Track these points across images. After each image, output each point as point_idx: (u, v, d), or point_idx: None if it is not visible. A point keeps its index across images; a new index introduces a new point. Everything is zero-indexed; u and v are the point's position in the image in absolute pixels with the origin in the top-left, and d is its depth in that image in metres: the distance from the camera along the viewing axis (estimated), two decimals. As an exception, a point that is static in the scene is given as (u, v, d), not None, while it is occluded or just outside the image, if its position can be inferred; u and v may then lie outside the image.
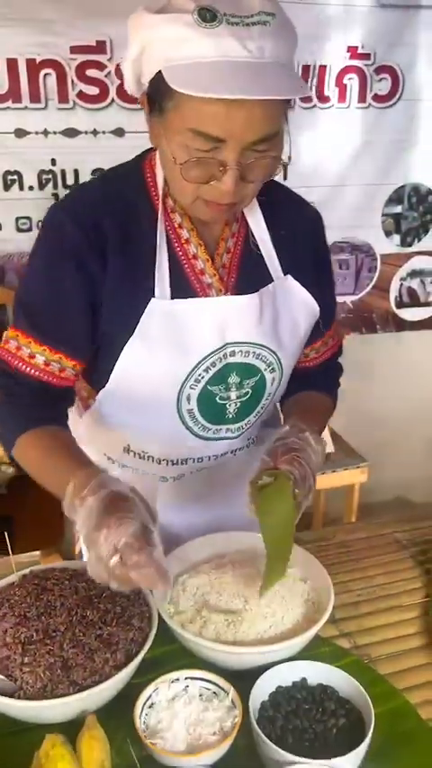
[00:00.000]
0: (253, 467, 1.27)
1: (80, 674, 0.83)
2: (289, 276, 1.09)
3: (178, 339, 1.01)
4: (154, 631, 0.90)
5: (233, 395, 1.09)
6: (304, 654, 0.93)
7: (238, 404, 1.10)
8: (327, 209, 2.26)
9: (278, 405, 1.26)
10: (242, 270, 1.06)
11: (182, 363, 1.03)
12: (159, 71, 0.85)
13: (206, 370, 1.04)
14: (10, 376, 1.02)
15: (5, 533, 1.04)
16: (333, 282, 1.20)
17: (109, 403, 1.09)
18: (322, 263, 1.17)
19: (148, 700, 0.85)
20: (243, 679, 0.86)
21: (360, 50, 2.18)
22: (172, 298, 1.00)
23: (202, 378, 1.05)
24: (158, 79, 0.85)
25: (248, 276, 1.06)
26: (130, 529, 0.79)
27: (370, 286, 2.45)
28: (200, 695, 0.86)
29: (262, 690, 0.86)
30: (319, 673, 0.89)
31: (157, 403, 1.05)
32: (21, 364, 1.01)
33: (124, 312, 1.00)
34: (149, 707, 0.84)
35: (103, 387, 1.06)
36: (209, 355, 1.03)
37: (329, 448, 2.19)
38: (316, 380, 1.21)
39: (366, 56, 2.19)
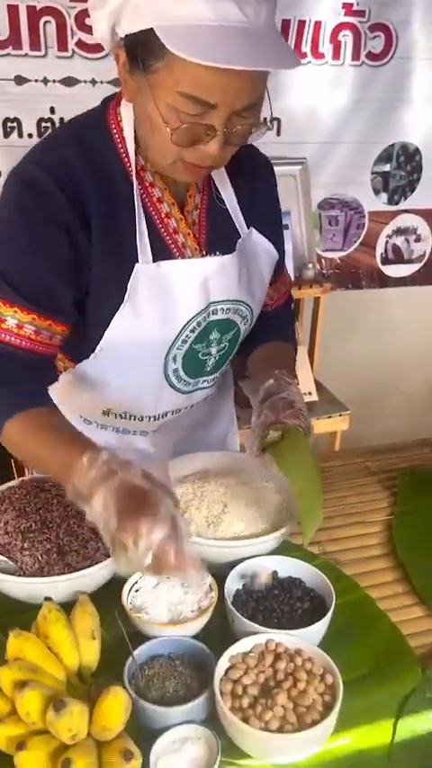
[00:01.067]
0: (224, 408, 1.36)
1: (74, 559, 0.93)
2: (252, 229, 1.10)
3: (165, 303, 1.01)
4: (141, 528, 0.99)
5: (213, 350, 1.13)
6: (275, 556, 1.02)
7: (217, 358, 1.15)
8: (319, 165, 2.37)
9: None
10: (211, 226, 1.06)
11: (170, 327, 1.04)
12: (149, 28, 0.81)
13: (192, 331, 1.06)
14: None
15: (12, 461, 1.12)
16: (282, 227, 1.22)
17: (91, 371, 1.07)
18: (275, 209, 1.18)
19: (134, 585, 0.94)
20: (220, 574, 0.96)
21: (355, 7, 2.21)
22: (153, 261, 0.99)
23: (189, 338, 1.07)
24: (147, 36, 0.82)
25: (218, 232, 1.06)
26: (162, 533, 0.75)
27: (357, 243, 2.51)
28: (181, 584, 0.96)
29: (236, 579, 0.96)
30: (288, 567, 0.99)
31: (144, 367, 1.07)
32: (7, 336, 0.94)
33: (110, 279, 0.98)
34: (135, 591, 0.94)
35: (86, 357, 1.05)
36: (194, 316, 1.05)
37: (314, 397, 2.29)
38: (275, 329, 1.25)
39: (361, 13, 2.22)
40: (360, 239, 2.51)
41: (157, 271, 1.01)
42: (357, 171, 2.41)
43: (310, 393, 2.24)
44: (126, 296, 0.99)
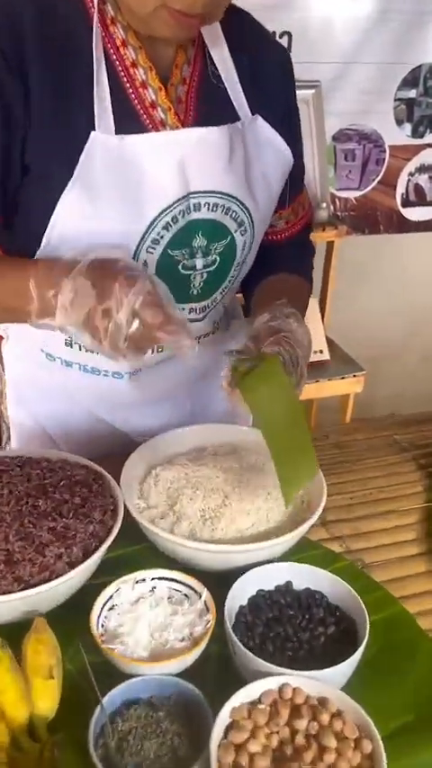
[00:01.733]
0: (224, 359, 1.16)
1: (27, 570, 0.71)
2: (258, 116, 0.91)
3: (129, 187, 0.83)
4: (118, 525, 0.78)
5: (199, 263, 0.91)
6: (290, 557, 0.81)
7: (205, 275, 0.93)
8: (334, 89, 2.07)
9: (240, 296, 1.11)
10: (202, 106, 0.87)
11: (136, 219, 0.84)
12: None
13: (166, 228, 0.86)
14: None
15: None
16: (301, 137, 1.01)
17: None
18: (292, 108, 0.99)
19: (108, 601, 0.73)
20: (220, 584, 0.75)
21: None
22: (117, 132, 0.81)
23: (162, 238, 0.86)
24: None
25: (210, 114, 0.87)
26: (145, 285, 0.70)
27: (376, 181, 2.25)
28: (168, 597, 0.75)
29: (240, 593, 0.75)
30: (306, 576, 0.77)
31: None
32: None
33: (57, 149, 0.80)
34: (109, 609, 0.73)
35: (32, 255, 0.87)
36: (169, 208, 0.85)
37: (325, 355, 2.05)
38: (288, 260, 1.05)
39: None
40: (379, 177, 2.25)
41: (120, 144, 0.81)
42: (378, 97, 2.12)
43: (321, 351, 2.00)
44: (76, 171, 0.80)
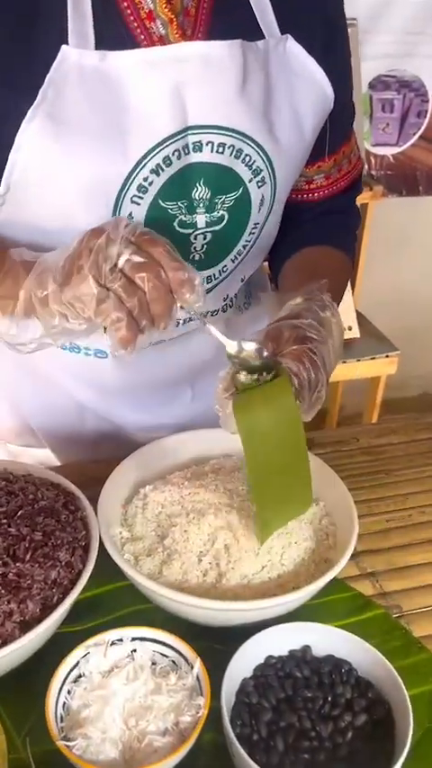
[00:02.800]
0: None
1: (-34, 635, 0.55)
2: (289, 37, 0.72)
3: (109, 118, 0.66)
4: (89, 569, 0.62)
5: (201, 220, 0.73)
6: (308, 603, 0.65)
7: (208, 236, 0.75)
8: (371, 30, 1.85)
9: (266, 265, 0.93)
10: (215, 21, 0.69)
11: (117, 159, 0.67)
12: None
13: (156, 172, 0.68)
14: None
15: None
16: (350, 64, 0.82)
17: (2, 233, 0.73)
18: (336, 29, 0.78)
19: (72, 670, 0.57)
20: (217, 640, 0.59)
21: None
22: (97, 48, 0.64)
23: (151, 185, 0.69)
24: None
25: (225, 32, 0.69)
26: (141, 226, 0.59)
27: (417, 135, 2.05)
28: (152, 664, 0.59)
29: (244, 662, 0.58)
30: (328, 639, 0.60)
31: (80, 227, 0.69)
32: None
33: (16, 67, 0.64)
34: (74, 681, 0.57)
35: None
36: (160, 146, 0.68)
37: (355, 333, 1.86)
38: (326, 229, 0.87)
39: None
40: (420, 131, 2.04)
41: (100, 62, 0.65)
42: (422, 38, 1.91)
43: (350, 328, 1.82)
44: (39, 94, 0.64)
